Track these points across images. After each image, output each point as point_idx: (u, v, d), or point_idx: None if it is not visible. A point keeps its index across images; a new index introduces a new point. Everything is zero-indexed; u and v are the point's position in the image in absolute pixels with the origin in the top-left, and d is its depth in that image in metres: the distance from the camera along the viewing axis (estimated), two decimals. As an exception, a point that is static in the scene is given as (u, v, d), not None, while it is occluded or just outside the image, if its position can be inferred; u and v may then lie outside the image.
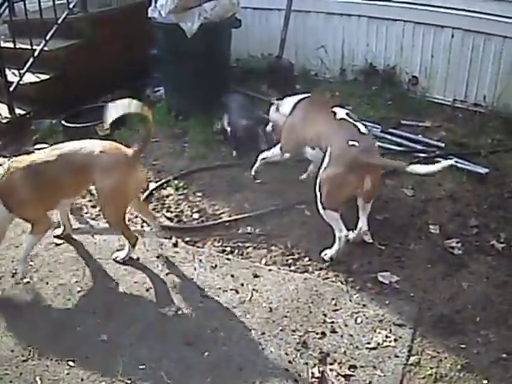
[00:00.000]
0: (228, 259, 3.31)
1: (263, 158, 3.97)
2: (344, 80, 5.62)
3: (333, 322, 2.84)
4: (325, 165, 3.26)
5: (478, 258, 3.28)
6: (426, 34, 5.10)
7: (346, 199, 3.30)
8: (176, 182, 4.11)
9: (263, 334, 2.79)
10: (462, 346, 2.70)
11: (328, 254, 3.32)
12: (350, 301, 2.97)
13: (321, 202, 3.27)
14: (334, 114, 3.45)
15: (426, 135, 4.58)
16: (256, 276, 3.16)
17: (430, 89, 5.22)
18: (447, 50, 5.04)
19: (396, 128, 4.67)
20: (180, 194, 3.98)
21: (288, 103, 3.83)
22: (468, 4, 4.76)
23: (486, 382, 2.52)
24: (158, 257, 3.36)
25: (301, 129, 3.63)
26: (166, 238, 3.52)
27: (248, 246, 3.43)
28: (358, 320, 2.85)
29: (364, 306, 2.94)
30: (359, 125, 3.36)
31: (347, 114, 3.46)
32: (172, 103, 5.23)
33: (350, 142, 3.19)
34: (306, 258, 3.31)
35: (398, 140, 4.50)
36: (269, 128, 4.11)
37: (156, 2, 4.79)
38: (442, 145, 4.42)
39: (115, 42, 5.52)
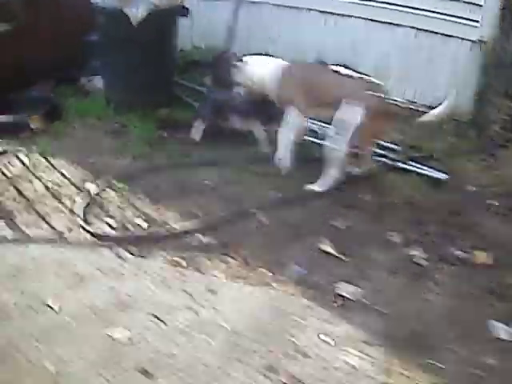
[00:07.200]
0: (180, 273, 3.01)
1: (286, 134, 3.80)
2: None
3: (299, 342, 2.60)
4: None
5: (441, 267, 3.16)
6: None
7: None
8: (118, 184, 3.75)
9: (225, 357, 2.51)
10: (435, 362, 2.52)
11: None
12: (317, 318, 2.74)
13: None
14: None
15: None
16: (212, 291, 2.89)
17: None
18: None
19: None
20: (123, 198, 3.63)
21: (266, 67, 3.85)
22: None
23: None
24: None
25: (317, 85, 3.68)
26: (109, 249, 3.17)
27: (202, 258, 3.13)
28: (326, 339, 2.63)
29: (331, 323, 2.72)
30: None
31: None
32: (111, 94, 4.88)
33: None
34: (267, 271, 3.05)
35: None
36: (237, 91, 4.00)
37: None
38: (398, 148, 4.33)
39: (49, 28, 5.03)
